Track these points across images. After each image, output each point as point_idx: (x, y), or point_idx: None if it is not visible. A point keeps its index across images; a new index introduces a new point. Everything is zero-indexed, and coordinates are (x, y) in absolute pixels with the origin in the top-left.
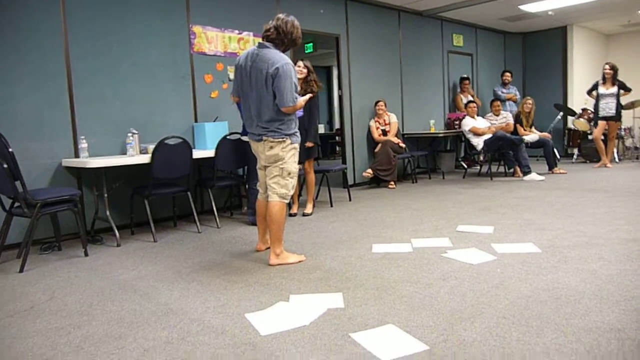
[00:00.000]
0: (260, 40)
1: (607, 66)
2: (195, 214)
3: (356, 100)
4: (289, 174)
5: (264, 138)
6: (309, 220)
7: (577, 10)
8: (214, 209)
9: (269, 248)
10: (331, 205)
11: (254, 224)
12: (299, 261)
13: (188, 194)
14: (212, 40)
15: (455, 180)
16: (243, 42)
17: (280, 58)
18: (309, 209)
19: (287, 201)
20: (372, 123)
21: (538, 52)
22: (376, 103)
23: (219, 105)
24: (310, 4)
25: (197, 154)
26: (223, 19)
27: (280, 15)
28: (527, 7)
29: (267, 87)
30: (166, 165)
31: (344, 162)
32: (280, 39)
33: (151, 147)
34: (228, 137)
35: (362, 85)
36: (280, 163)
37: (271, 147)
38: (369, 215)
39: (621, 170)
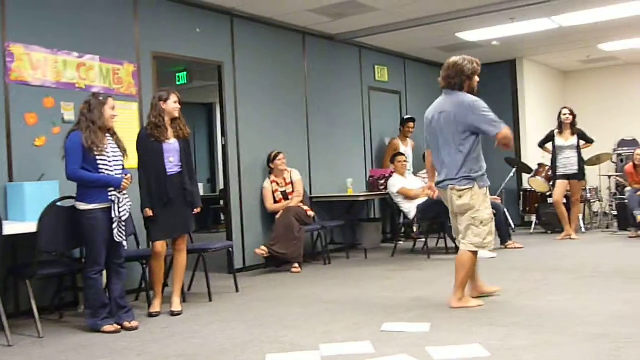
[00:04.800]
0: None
1: (565, 111)
2: (3, 317)
3: (246, 151)
4: (482, 222)
5: (450, 185)
6: (178, 321)
7: (527, 41)
8: (34, 308)
9: (481, 296)
10: (210, 300)
11: (94, 329)
12: (479, 305)
13: None
14: (38, 65)
15: (382, 259)
16: (85, 70)
17: (464, 97)
18: (177, 305)
19: (483, 249)
20: (267, 184)
21: (483, 90)
22: (274, 156)
23: (47, 158)
24: (183, 20)
25: (10, 228)
26: (56, 36)
27: (445, 66)
28: (465, 35)
29: (457, 129)
30: None
31: (230, 237)
32: (452, 83)
33: None
34: (58, 203)
35: (254, 131)
36: (471, 212)
37: (460, 197)
38: (263, 311)
39: (589, 242)
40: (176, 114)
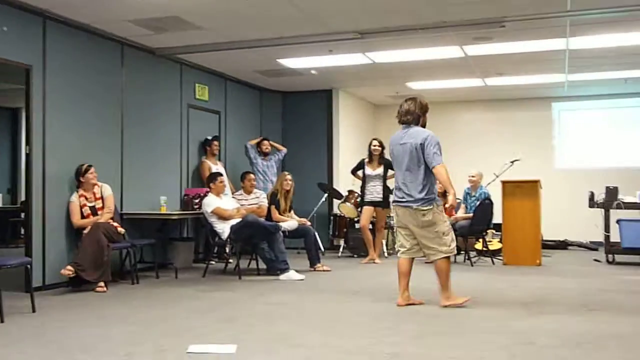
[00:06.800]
0: None
1: (375, 142)
2: None
3: (53, 162)
4: (444, 233)
5: (414, 207)
6: None
7: (342, 72)
8: None
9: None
10: (1, 321)
11: None
12: (466, 300)
13: None
14: None
15: (193, 279)
16: None
17: (423, 131)
18: None
19: (451, 253)
20: (75, 198)
21: (300, 116)
22: (84, 170)
23: None
24: None
25: None
26: None
27: (404, 104)
28: (286, 62)
29: (416, 157)
30: None
31: (29, 253)
32: (410, 119)
33: None
34: None
35: (63, 141)
36: (434, 227)
37: (424, 215)
38: (61, 333)
39: (390, 266)
40: None
